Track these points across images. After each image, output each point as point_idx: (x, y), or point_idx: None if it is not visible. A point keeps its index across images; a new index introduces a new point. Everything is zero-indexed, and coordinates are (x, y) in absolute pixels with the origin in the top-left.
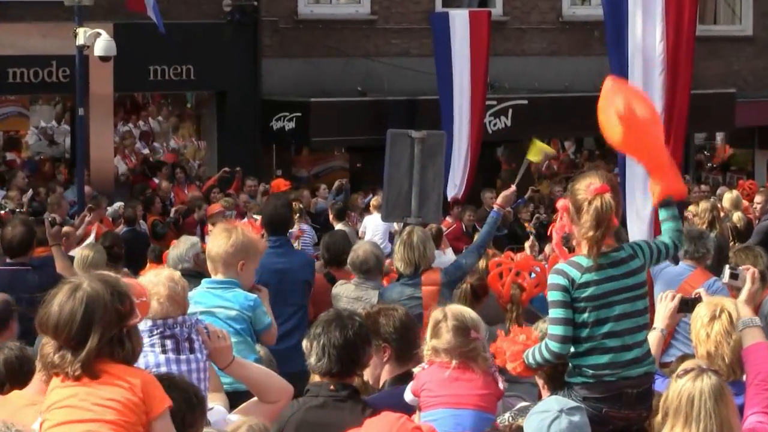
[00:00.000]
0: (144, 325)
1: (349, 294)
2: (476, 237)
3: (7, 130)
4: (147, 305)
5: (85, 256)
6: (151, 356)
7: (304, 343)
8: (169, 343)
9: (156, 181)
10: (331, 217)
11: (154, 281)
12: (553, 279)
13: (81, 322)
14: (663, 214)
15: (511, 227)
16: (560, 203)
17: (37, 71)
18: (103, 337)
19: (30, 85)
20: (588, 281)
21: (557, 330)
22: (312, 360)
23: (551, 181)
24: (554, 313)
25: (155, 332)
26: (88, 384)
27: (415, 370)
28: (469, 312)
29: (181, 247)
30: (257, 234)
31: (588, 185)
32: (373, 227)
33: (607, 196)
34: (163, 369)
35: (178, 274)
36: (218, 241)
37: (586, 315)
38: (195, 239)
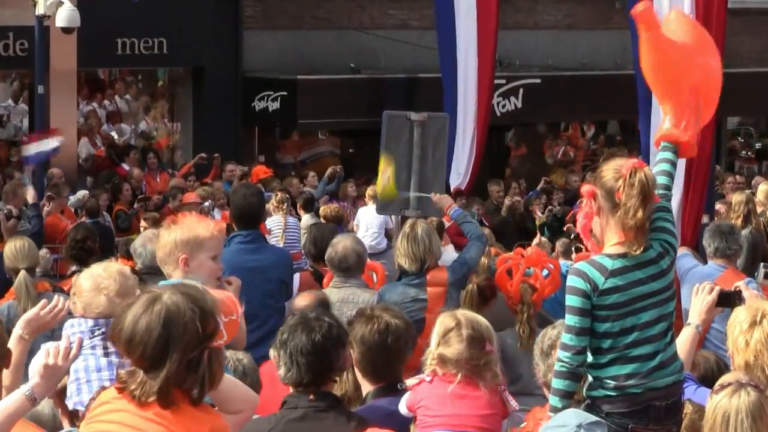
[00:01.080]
0: (85, 325)
1: (333, 297)
2: (467, 229)
3: None
4: (236, 324)
5: (20, 248)
6: (92, 359)
7: (271, 353)
8: (112, 345)
9: (125, 167)
10: (297, 206)
11: (104, 275)
12: (572, 281)
13: (157, 341)
14: (658, 155)
15: (522, 221)
16: (585, 188)
17: None
18: (182, 360)
19: None
20: (612, 287)
21: (571, 340)
22: (281, 371)
23: (566, 170)
24: (570, 320)
25: (97, 332)
26: (153, 416)
27: (411, 381)
28: (484, 321)
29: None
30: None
31: (619, 166)
32: (366, 220)
33: (647, 169)
34: (105, 374)
35: (128, 269)
36: (157, 243)
37: (609, 324)
38: None
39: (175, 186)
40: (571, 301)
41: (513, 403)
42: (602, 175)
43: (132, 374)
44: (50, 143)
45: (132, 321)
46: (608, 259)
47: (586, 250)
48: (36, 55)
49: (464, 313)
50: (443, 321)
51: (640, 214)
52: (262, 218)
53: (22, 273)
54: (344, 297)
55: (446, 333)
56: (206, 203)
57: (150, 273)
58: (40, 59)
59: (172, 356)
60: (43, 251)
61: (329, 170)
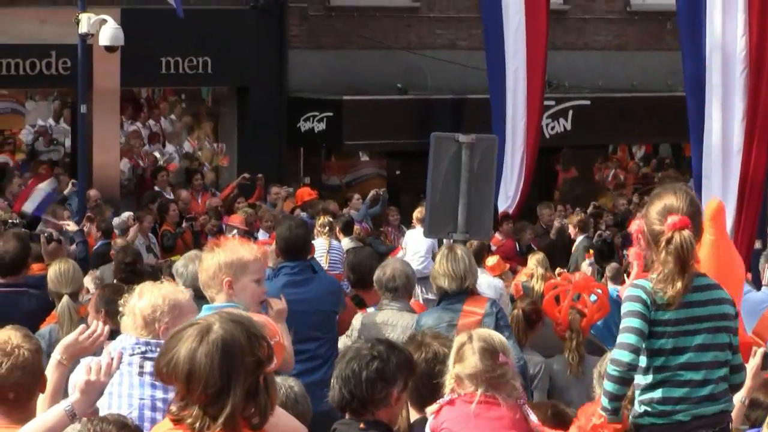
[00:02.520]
0: (127, 341)
1: (374, 319)
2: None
3: (0, 129)
4: (282, 347)
5: (64, 272)
6: (126, 377)
7: (333, 382)
8: (149, 365)
9: (156, 189)
10: (336, 230)
11: (156, 293)
12: (631, 291)
13: (219, 372)
14: None
15: (571, 244)
16: (634, 226)
17: (33, 62)
18: (243, 389)
19: (26, 78)
20: (669, 303)
21: (628, 338)
22: (332, 395)
23: (617, 193)
24: (628, 322)
25: (137, 350)
26: None
27: (432, 408)
28: (498, 335)
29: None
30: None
31: (664, 213)
32: (414, 243)
33: (686, 233)
34: (136, 392)
35: (187, 292)
36: (200, 265)
37: (663, 341)
38: None
39: (212, 208)
40: (631, 306)
41: (533, 417)
42: (649, 218)
43: (184, 408)
44: (42, 190)
45: (188, 355)
46: None
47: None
48: (79, 73)
49: (477, 330)
50: (457, 339)
51: (679, 285)
52: (308, 249)
53: (66, 298)
54: (386, 319)
55: (460, 349)
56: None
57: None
58: (83, 78)
59: (235, 386)
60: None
61: (372, 193)
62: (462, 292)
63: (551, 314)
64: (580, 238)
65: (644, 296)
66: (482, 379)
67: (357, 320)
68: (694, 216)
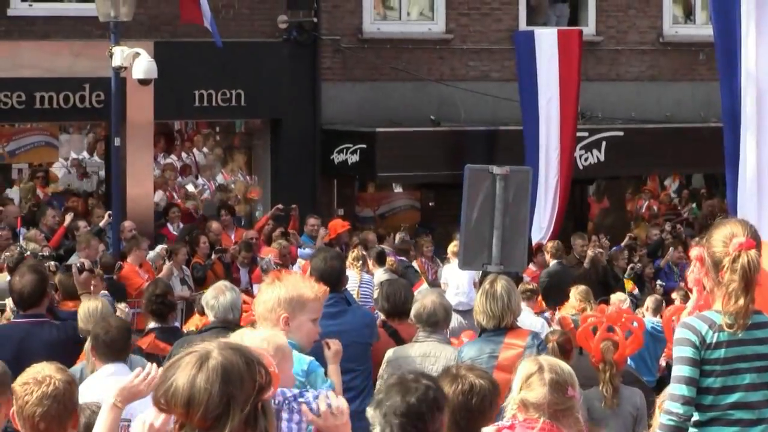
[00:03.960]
0: None
1: (414, 352)
2: None
3: (33, 162)
4: (277, 377)
5: (92, 310)
6: None
7: (368, 411)
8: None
9: (169, 227)
10: (370, 263)
11: (258, 337)
12: (681, 333)
13: (219, 398)
14: None
15: (604, 275)
16: (694, 252)
17: (67, 95)
18: (242, 414)
19: (59, 112)
20: (720, 341)
21: (680, 390)
22: (377, 430)
23: (649, 223)
24: (679, 370)
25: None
26: None
27: (488, 429)
28: (567, 367)
29: (228, 294)
30: (308, 279)
31: (729, 237)
32: (455, 278)
33: (753, 253)
34: None
35: (283, 338)
36: (258, 297)
37: (711, 379)
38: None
39: (245, 240)
40: (681, 351)
41: None
42: (712, 243)
43: None
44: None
45: (188, 382)
46: (717, 315)
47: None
48: (112, 106)
49: (547, 359)
50: (525, 365)
51: (741, 302)
52: (343, 281)
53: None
54: (426, 351)
55: (528, 377)
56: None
57: (223, 327)
58: (117, 111)
59: (234, 412)
60: (122, 305)
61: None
62: (500, 330)
63: (585, 346)
64: None
65: (693, 337)
66: (548, 409)
67: (389, 354)
68: (758, 243)
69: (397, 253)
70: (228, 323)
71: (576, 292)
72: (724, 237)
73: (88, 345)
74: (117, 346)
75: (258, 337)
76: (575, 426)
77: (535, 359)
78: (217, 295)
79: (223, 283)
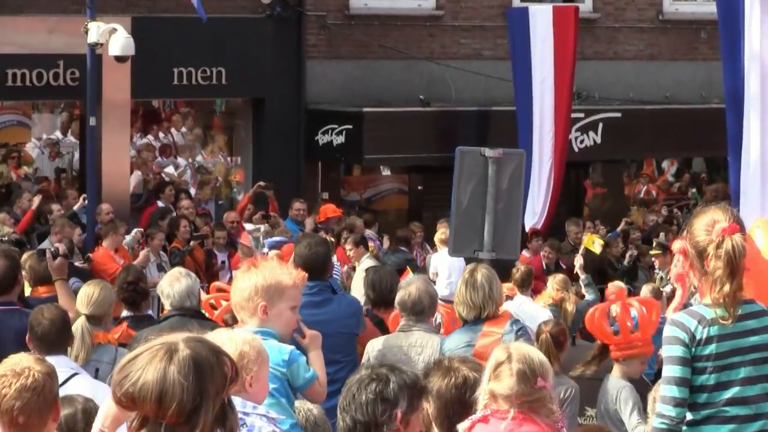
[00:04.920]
0: None
1: (399, 342)
2: None
3: (5, 141)
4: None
5: (89, 294)
6: None
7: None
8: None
9: (160, 204)
10: (348, 249)
11: (240, 339)
12: (669, 331)
13: (192, 392)
14: None
15: (600, 263)
16: (676, 245)
17: (40, 73)
18: (214, 408)
19: (32, 90)
20: (710, 336)
21: (671, 391)
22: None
23: (648, 209)
24: (669, 371)
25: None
26: None
27: (463, 425)
28: (537, 355)
29: (184, 280)
30: (285, 265)
31: (711, 224)
32: (447, 266)
33: (737, 237)
34: None
35: (257, 339)
36: (234, 285)
37: (705, 377)
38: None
39: (222, 221)
40: (671, 350)
41: None
42: (693, 233)
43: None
44: None
45: (158, 376)
46: (707, 309)
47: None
48: (88, 84)
49: (517, 346)
50: (495, 354)
51: (726, 288)
52: (328, 269)
53: (82, 319)
54: (413, 342)
55: (497, 367)
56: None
57: (182, 315)
58: (92, 89)
59: (207, 407)
60: None
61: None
62: (480, 320)
63: (598, 336)
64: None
65: (682, 335)
66: (516, 401)
67: (373, 345)
68: (741, 229)
69: (397, 243)
70: (186, 310)
71: (554, 281)
72: (705, 225)
73: (74, 327)
74: (50, 339)
75: (240, 339)
76: (550, 417)
77: (505, 347)
78: (172, 283)
79: (177, 270)
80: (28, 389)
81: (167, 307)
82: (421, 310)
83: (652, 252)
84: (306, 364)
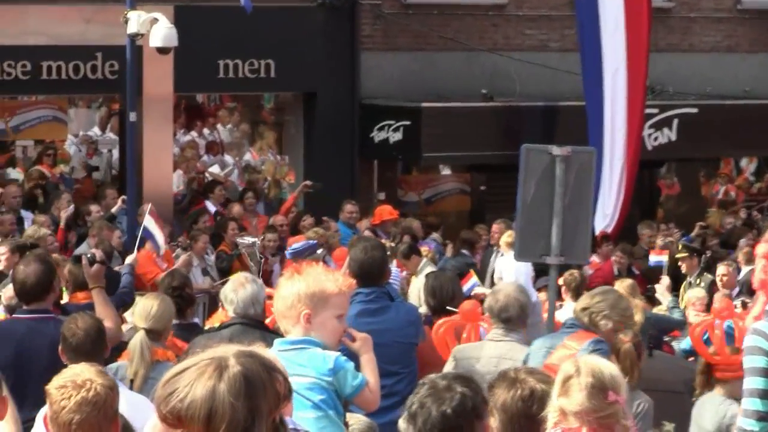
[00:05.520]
0: None
1: (486, 353)
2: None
3: (39, 138)
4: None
5: (147, 307)
6: None
7: (401, 424)
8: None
9: (209, 205)
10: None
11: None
12: (751, 341)
13: (245, 411)
14: None
15: (677, 268)
16: (761, 248)
17: (77, 65)
18: (267, 429)
19: (68, 83)
20: None
21: (754, 404)
22: None
23: (725, 211)
24: (751, 382)
25: None
26: None
27: None
28: (608, 367)
29: (249, 286)
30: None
31: None
32: (513, 271)
33: None
34: None
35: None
36: (276, 293)
37: None
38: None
39: (272, 226)
40: (752, 361)
41: None
42: None
43: None
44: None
45: (208, 393)
46: None
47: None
48: (127, 78)
49: (586, 360)
50: (564, 368)
51: None
52: (386, 275)
53: (141, 333)
54: (503, 353)
55: (565, 381)
56: (320, 251)
57: (245, 323)
58: (132, 83)
59: (258, 428)
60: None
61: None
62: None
63: (703, 354)
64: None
65: (766, 345)
66: (587, 417)
67: (462, 352)
68: None
69: (461, 245)
70: (249, 319)
71: (621, 287)
72: None
73: (133, 342)
74: (84, 350)
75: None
76: None
77: (573, 361)
78: (236, 288)
79: (243, 275)
80: (88, 403)
81: (230, 313)
82: (508, 318)
83: (679, 255)
84: (354, 370)
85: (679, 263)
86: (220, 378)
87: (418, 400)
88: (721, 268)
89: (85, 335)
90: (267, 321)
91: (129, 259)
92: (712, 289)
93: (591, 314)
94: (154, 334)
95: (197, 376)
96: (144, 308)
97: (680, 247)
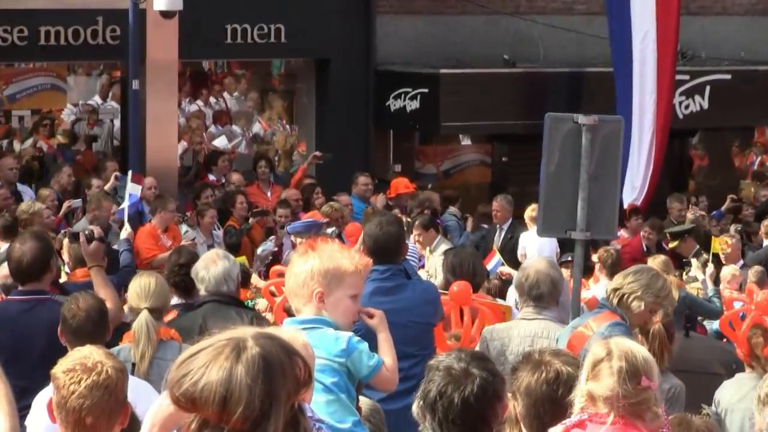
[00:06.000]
0: None
1: (520, 332)
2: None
3: (37, 108)
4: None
5: (144, 286)
6: None
7: (415, 409)
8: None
9: (211, 177)
10: (416, 234)
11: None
12: None
13: (262, 395)
14: None
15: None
16: None
17: (77, 30)
18: (285, 414)
19: (68, 50)
20: None
21: None
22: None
23: (760, 183)
24: None
25: None
26: None
27: (556, 430)
28: (641, 351)
29: (221, 263)
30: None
31: None
32: (536, 247)
33: None
34: None
35: (302, 337)
36: (288, 269)
37: None
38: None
39: (285, 200)
40: None
41: None
42: None
43: None
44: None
45: (223, 376)
46: None
47: None
48: (130, 43)
49: (618, 342)
50: (593, 351)
51: None
52: (403, 251)
53: (145, 313)
54: (537, 331)
55: (596, 365)
56: (331, 230)
57: (217, 301)
58: (135, 49)
59: (277, 411)
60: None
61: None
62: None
63: (729, 335)
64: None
65: None
66: (617, 403)
67: (492, 333)
68: None
69: (479, 219)
70: (222, 296)
71: (653, 263)
72: None
73: (138, 323)
74: (85, 332)
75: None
76: (654, 422)
77: (604, 343)
78: (207, 266)
79: (215, 251)
80: (99, 387)
81: (201, 291)
82: (539, 296)
83: (671, 245)
84: (368, 350)
85: (677, 249)
86: (238, 359)
87: (436, 388)
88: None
89: (86, 316)
90: (278, 300)
91: (124, 234)
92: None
93: (623, 295)
94: (156, 313)
95: (213, 357)
96: (142, 287)
97: (668, 235)
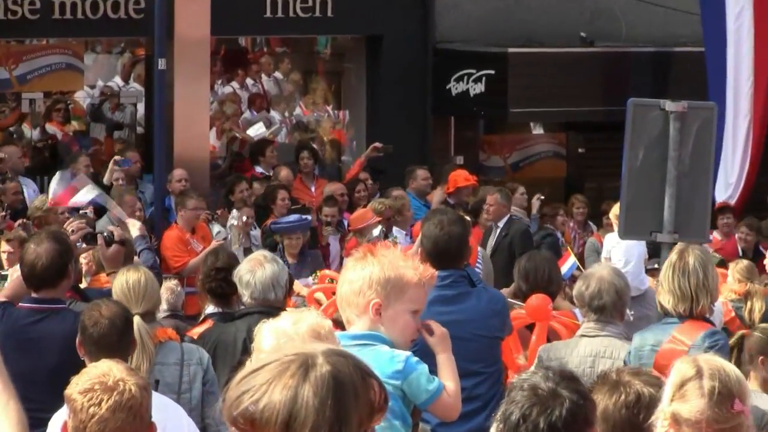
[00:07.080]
0: None
1: (578, 352)
2: None
3: (51, 90)
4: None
5: (133, 286)
6: None
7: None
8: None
9: (259, 170)
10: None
11: (291, 334)
12: None
13: (330, 420)
14: None
15: None
16: None
17: (95, 4)
18: None
19: (85, 24)
20: None
21: None
22: None
23: None
24: None
25: None
26: None
27: None
28: (734, 370)
29: (269, 266)
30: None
31: None
32: (622, 251)
33: None
34: None
35: (327, 324)
36: (343, 275)
37: None
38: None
39: (329, 196)
40: None
41: None
42: None
43: None
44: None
45: (288, 395)
46: None
47: None
48: (156, 18)
49: (709, 360)
50: (680, 368)
51: None
52: (466, 255)
53: (137, 320)
54: (599, 350)
55: (683, 384)
56: (376, 231)
57: (262, 312)
58: (161, 24)
59: None
60: (173, 283)
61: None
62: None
63: None
64: None
65: None
66: (707, 428)
67: (543, 351)
68: None
69: (542, 219)
70: (270, 306)
71: (735, 270)
72: None
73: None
74: (108, 343)
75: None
76: None
77: (692, 360)
78: (253, 269)
79: (262, 253)
80: (123, 408)
81: (245, 298)
82: (601, 307)
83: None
84: (428, 373)
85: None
86: (305, 378)
87: (519, 410)
88: None
89: (110, 324)
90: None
91: (135, 230)
92: None
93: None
94: (149, 316)
95: (278, 374)
96: (131, 287)
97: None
